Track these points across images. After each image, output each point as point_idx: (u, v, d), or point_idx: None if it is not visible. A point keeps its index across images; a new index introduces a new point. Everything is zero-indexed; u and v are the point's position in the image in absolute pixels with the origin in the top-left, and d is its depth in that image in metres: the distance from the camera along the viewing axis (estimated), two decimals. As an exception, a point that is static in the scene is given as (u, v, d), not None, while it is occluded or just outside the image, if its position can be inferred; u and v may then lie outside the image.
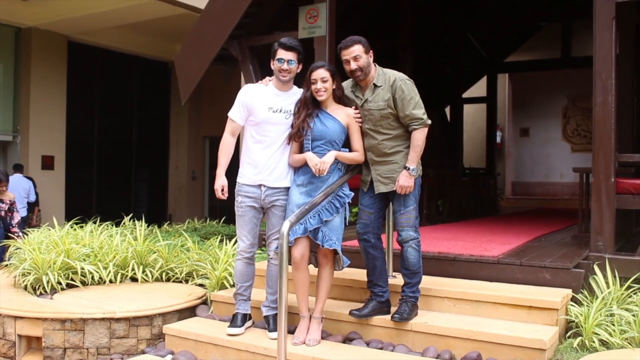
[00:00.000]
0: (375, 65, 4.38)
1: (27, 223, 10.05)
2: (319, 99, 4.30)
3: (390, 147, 4.33)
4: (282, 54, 4.36)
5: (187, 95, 7.36)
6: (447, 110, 12.71)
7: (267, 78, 4.57)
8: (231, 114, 4.49)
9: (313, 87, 4.29)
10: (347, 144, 4.40)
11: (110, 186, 14.50)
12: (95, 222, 7.11)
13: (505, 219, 9.64)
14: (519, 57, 13.82)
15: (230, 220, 9.01)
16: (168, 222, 10.27)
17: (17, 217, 7.96)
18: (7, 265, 6.29)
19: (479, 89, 13.50)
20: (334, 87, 4.33)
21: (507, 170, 15.05)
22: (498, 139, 14.31)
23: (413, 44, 9.28)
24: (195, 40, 7.20)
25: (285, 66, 4.35)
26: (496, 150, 13.50)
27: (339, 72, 4.41)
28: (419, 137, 4.26)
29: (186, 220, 10.07)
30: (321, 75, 4.26)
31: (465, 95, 13.14)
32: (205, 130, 15.58)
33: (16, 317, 4.94)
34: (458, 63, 11.87)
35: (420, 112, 4.25)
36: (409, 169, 4.26)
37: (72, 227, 6.89)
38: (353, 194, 4.37)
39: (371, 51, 4.34)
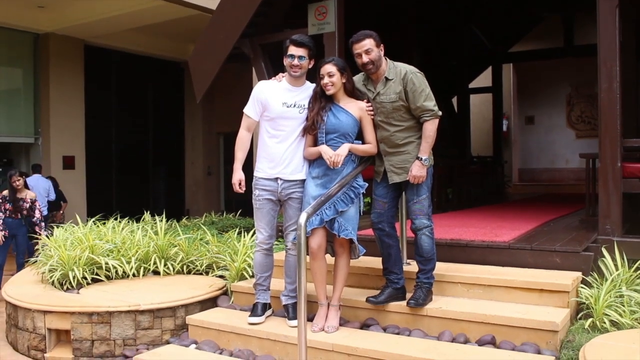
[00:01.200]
0: (386, 59, 4.38)
1: (49, 221, 10.11)
2: (327, 93, 4.31)
3: (402, 138, 4.33)
4: (292, 50, 4.36)
5: (201, 94, 7.37)
6: (454, 100, 12.65)
7: (280, 74, 4.57)
8: (246, 110, 4.50)
9: (321, 82, 4.30)
10: (360, 137, 4.40)
11: (129, 183, 14.58)
12: (116, 219, 7.15)
13: (514, 205, 9.61)
14: (522, 47, 13.73)
15: (246, 213, 9.04)
16: (186, 216, 10.30)
17: (36, 215, 7.97)
18: (35, 262, 6.34)
19: (484, 79, 13.43)
20: (344, 80, 4.32)
21: (513, 157, 14.97)
22: (504, 128, 14.24)
23: (420, 38, 9.25)
24: (208, 40, 7.20)
25: (295, 62, 4.35)
26: (503, 138, 13.43)
27: (350, 66, 4.40)
28: (431, 128, 4.26)
29: (203, 214, 10.10)
30: (327, 70, 4.27)
31: (472, 85, 13.08)
32: (219, 127, 15.60)
33: (45, 312, 4.99)
34: (463, 55, 11.81)
35: (431, 103, 4.25)
36: (421, 159, 4.26)
37: (94, 224, 6.93)
38: (367, 184, 4.37)
39: (382, 45, 4.33)
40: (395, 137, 4.34)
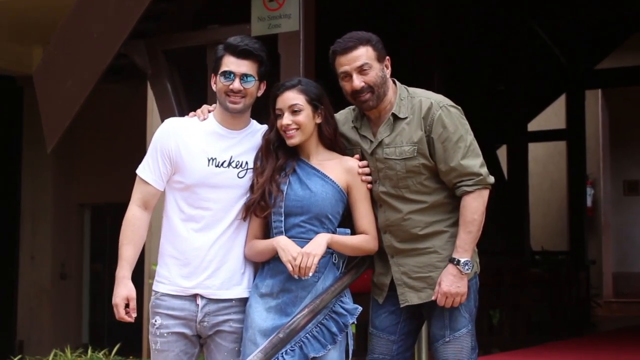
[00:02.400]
0: (394, 82, 4.38)
1: None
2: (288, 142, 4.28)
3: (423, 224, 4.30)
4: (230, 63, 4.32)
5: (55, 137, 7.32)
6: (502, 152, 12.81)
7: (206, 107, 4.53)
8: (141, 170, 4.43)
9: (278, 122, 4.27)
10: (347, 222, 4.36)
11: None
12: None
13: (608, 342, 9.62)
14: (618, 61, 14.02)
15: (130, 348, 8.87)
16: (18, 355, 10.12)
17: None
18: None
19: (553, 116, 13.65)
20: (318, 120, 4.31)
21: (604, 253, 15.13)
22: (588, 201, 14.40)
23: (446, 48, 9.36)
24: (71, 41, 7.20)
25: (236, 85, 4.30)
26: (586, 219, 13.54)
27: (330, 95, 4.38)
28: (475, 205, 4.23)
29: (51, 351, 9.89)
30: (290, 101, 4.25)
31: (532, 127, 13.25)
32: (84, 194, 15.57)
33: None
34: (519, 74, 11.99)
35: (476, 162, 4.24)
36: (458, 262, 4.21)
37: None
38: (360, 308, 4.30)
39: (387, 58, 4.34)
40: (410, 223, 4.31)
